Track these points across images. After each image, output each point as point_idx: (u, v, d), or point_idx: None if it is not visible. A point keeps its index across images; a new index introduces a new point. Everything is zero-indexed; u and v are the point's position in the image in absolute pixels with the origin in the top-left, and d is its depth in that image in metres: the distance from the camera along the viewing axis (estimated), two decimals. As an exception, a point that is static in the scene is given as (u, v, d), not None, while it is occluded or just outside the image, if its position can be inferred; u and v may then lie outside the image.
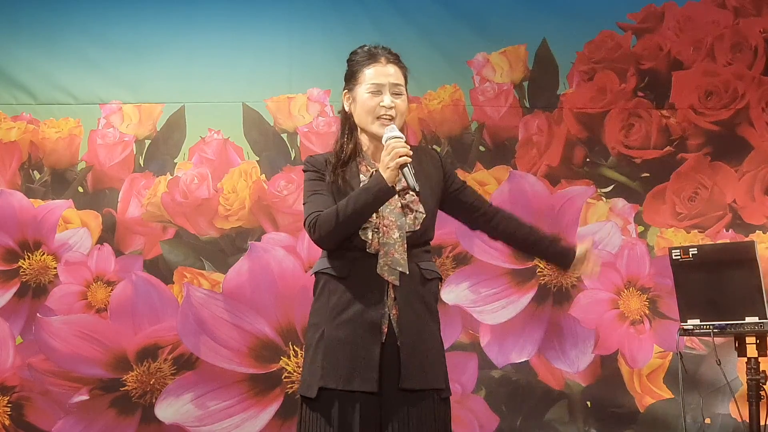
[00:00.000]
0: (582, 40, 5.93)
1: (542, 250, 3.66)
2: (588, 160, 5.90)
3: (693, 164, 5.86)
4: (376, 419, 3.37)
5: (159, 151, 5.86)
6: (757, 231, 5.82)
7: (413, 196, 3.46)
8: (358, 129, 3.53)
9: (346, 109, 3.54)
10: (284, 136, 5.88)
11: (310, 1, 5.89)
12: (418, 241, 3.46)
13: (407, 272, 3.41)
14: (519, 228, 3.63)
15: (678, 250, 4.78)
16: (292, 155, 5.86)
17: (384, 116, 3.45)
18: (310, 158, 3.56)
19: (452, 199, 3.58)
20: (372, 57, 3.50)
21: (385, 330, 3.39)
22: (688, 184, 5.85)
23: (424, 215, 3.46)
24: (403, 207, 3.45)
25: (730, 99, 5.87)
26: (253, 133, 5.87)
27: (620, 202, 5.85)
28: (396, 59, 3.53)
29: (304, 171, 3.54)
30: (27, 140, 5.83)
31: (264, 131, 5.87)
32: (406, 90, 3.52)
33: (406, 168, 3.33)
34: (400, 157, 3.32)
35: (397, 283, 3.40)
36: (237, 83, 5.85)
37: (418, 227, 3.45)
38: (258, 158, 5.86)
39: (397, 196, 3.44)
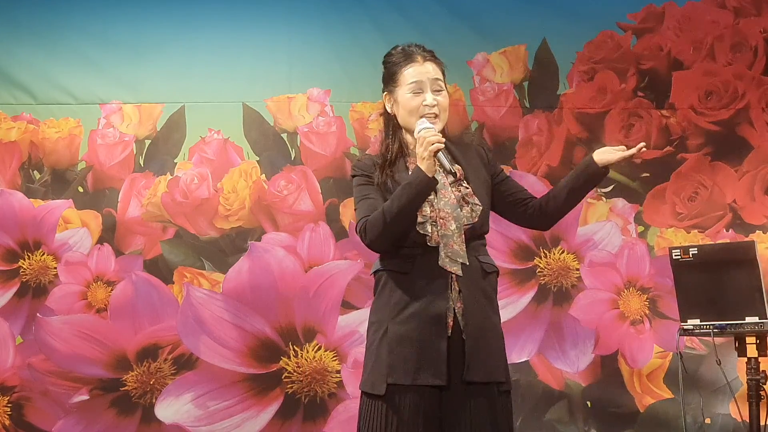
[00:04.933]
0: (582, 40, 5.93)
1: (573, 187, 3.54)
2: (588, 160, 5.89)
3: (693, 164, 5.86)
4: (440, 412, 3.37)
5: (159, 151, 5.86)
6: (757, 231, 5.82)
7: (467, 188, 3.47)
8: (402, 129, 3.53)
9: (389, 110, 3.54)
10: (284, 136, 5.88)
11: (310, 1, 5.89)
12: (476, 234, 3.46)
13: (467, 263, 3.40)
14: (545, 195, 3.57)
15: (678, 250, 4.78)
16: (292, 155, 5.86)
17: (428, 114, 3.46)
18: (357, 162, 3.57)
19: (499, 193, 3.57)
20: (408, 57, 3.52)
21: (451, 323, 3.39)
22: (688, 184, 5.85)
23: (481, 207, 3.47)
24: (458, 199, 3.45)
25: (730, 99, 5.86)
26: (253, 133, 5.87)
27: (620, 202, 5.85)
28: (432, 56, 3.56)
29: (353, 177, 3.54)
30: (27, 140, 5.83)
31: (264, 131, 5.87)
32: (446, 84, 3.53)
33: (440, 153, 3.34)
34: (432, 144, 3.33)
35: (460, 273, 3.39)
36: (237, 83, 5.85)
37: (476, 219, 3.45)
38: (258, 158, 5.86)
39: (450, 188, 3.45)
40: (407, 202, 3.35)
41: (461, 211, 3.44)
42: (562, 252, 5.81)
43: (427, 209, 3.41)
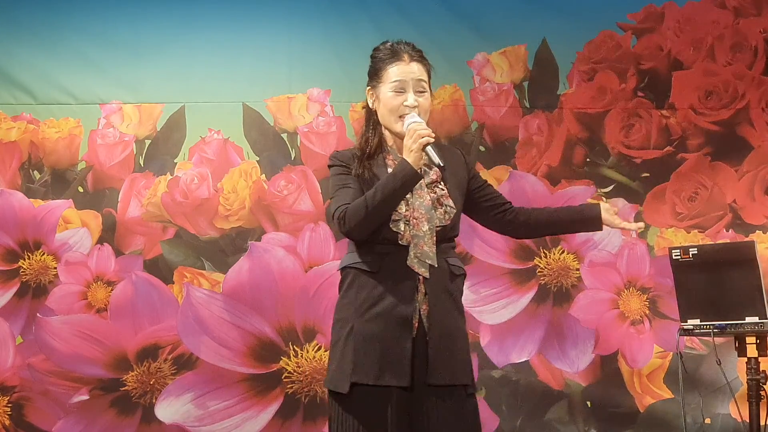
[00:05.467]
0: (582, 40, 5.93)
1: (565, 221, 3.63)
2: (588, 160, 5.90)
3: (693, 164, 5.86)
4: (407, 414, 3.37)
5: (159, 151, 5.86)
6: (757, 231, 5.82)
7: (443, 190, 3.47)
8: (382, 125, 3.54)
9: (370, 105, 3.55)
10: (284, 136, 5.88)
11: (310, 1, 5.89)
12: (446, 236, 3.47)
13: (436, 265, 3.41)
14: (533, 212, 3.63)
15: (678, 250, 4.77)
16: (292, 155, 5.86)
17: (407, 115, 3.45)
18: (335, 153, 3.57)
19: (474, 198, 3.59)
20: (395, 54, 3.50)
21: (416, 325, 3.39)
22: (688, 184, 5.85)
23: (455, 210, 3.47)
24: (432, 201, 3.45)
25: (730, 99, 5.86)
26: (253, 133, 5.87)
27: (620, 202, 5.85)
28: (419, 56, 3.52)
29: (330, 167, 3.55)
30: (27, 140, 5.83)
31: (264, 131, 5.87)
32: (430, 86, 3.52)
33: (429, 147, 3.34)
34: (422, 137, 3.33)
35: (427, 275, 3.39)
36: (237, 83, 5.85)
37: (448, 222, 3.45)
38: (258, 158, 5.86)
39: (426, 189, 3.45)
40: (391, 192, 3.35)
41: (435, 212, 3.44)
42: (562, 252, 5.81)
43: (402, 207, 3.41)
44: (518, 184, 5.83)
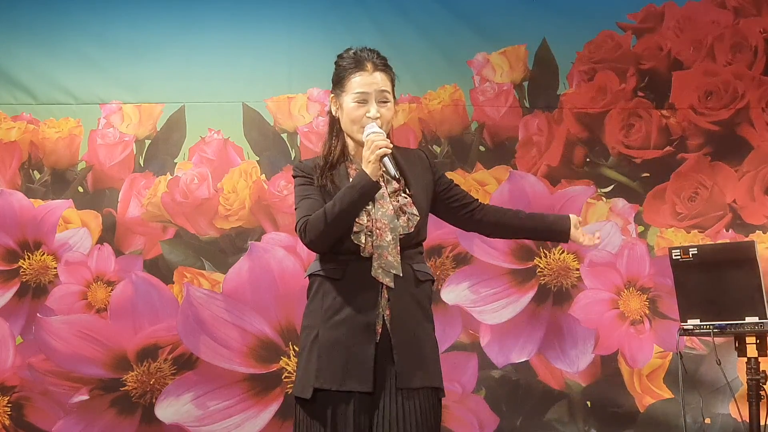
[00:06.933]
0: (582, 40, 5.93)
1: (534, 229, 3.67)
2: (588, 160, 5.90)
3: (693, 164, 5.86)
4: (370, 419, 3.38)
5: (159, 151, 5.86)
6: (757, 231, 5.82)
7: (406, 198, 3.47)
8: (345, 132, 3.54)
9: (333, 113, 3.55)
10: (284, 136, 5.88)
11: (310, 1, 5.89)
12: (411, 243, 3.47)
13: (401, 275, 3.41)
14: (504, 214, 3.64)
15: (678, 250, 4.78)
16: (292, 155, 5.86)
17: (367, 125, 3.44)
18: (298, 164, 3.58)
19: (441, 199, 3.59)
20: (358, 64, 3.50)
21: (379, 330, 3.40)
22: (688, 184, 5.85)
23: (418, 217, 3.47)
24: (395, 209, 3.45)
25: (730, 99, 5.86)
26: (253, 133, 5.87)
27: (620, 202, 5.85)
28: (383, 65, 3.50)
29: (294, 177, 3.55)
30: (27, 140, 5.83)
31: (264, 131, 5.87)
32: (394, 95, 3.51)
33: (386, 158, 3.34)
34: (379, 149, 3.33)
35: (391, 285, 3.40)
36: (237, 83, 5.85)
37: (412, 229, 3.45)
38: (258, 158, 5.86)
39: (389, 198, 3.45)
40: (349, 204, 3.36)
41: (398, 221, 3.44)
42: (562, 252, 5.81)
43: (363, 218, 3.41)
44: (518, 184, 5.83)
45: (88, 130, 5.85)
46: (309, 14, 5.87)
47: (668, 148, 5.88)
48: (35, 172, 5.86)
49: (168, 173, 5.82)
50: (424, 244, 3.56)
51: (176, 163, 5.85)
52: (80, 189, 5.83)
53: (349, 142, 3.53)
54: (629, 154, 5.87)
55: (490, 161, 5.88)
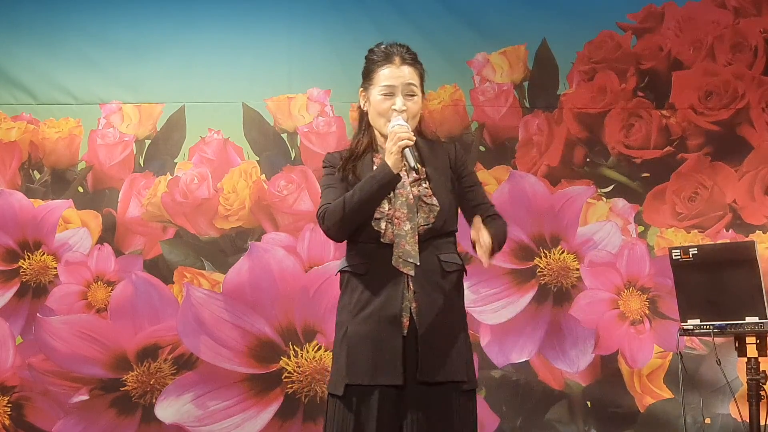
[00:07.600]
0: (582, 40, 5.93)
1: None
2: (588, 160, 5.90)
3: (693, 164, 5.86)
4: (399, 412, 3.39)
5: (159, 151, 5.86)
6: (757, 231, 5.82)
7: (427, 189, 3.48)
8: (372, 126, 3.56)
9: (362, 107, 3.58)
10: (284, 136, 5.88)
11: (310, 1, 5.89)
12: (438, 233, 3.47)
13: (418, 263, 3.41)
14: (489, 227, 3.57)
15: (678, 250, 4.78)
16: (292, 155, 5.86)
17: (393, 118, 3.47)
18: (327, 155, 3.62)
19: (461, 195, 3.59)
20: (387, 58, 3.52)
21: (407, 323, 3.41)
22: (688, 184, 5.85)
23: (439, 208, 3.47)
24: (415, 200, 3.46)
25: (730, 99, 5.86)
26: (253, 133, 5.87)
27: (620, 202, 5.85)
28: (412, 59, 3.54)
29: (323, 167, 3.60)
30: (27, 140, 5.83)
31: (264, 131, 5.87)
32: (422, 90, 3.54)
33: (407, 150, 3.36)
34: (401, 141, 3.36)
35: (412, 273, 3.41)
36: (237, 83, 5.85)
37: (433, 220, 3.46)
38: (258, 158, 5.86)
39: (410, 187, 3.46)
40: (368, 194, 3.40)
41: (418, 212, 3.45)
42: (562, 252, 5.81)
43: (385, 206, 3.44)
44: (518, 185, 5.83)
45: (88, 130, 5.85)
46: (309, 14, 5.88)
47: (668, 148, 5.88)
48: (35, 172, 5.86)
49: (168, 173, 5.82)
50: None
51: (176, 163, 5.85)
52: (80, 189, 5.83)
53: (377, 135, 3.56)
54: (629, 154, 5.87)
55: (490, 161, 5.88)
